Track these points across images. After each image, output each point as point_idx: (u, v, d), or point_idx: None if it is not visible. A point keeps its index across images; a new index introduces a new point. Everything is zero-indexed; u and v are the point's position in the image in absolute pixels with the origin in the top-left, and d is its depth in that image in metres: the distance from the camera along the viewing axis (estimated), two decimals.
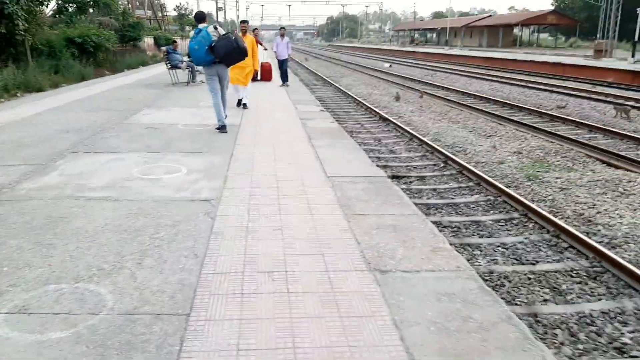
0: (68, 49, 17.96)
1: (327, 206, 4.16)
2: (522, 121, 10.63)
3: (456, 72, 25.49)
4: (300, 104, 10.83)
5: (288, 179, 4.94)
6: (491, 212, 5.39)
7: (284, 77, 14.87)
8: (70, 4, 22.65)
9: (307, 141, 6.83)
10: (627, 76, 19.70)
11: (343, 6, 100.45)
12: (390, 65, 31.42)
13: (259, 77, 14.52)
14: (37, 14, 16.29)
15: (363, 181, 4.90)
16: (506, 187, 5.93)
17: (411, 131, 9.36)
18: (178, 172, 5.15)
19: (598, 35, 35.25)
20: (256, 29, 15.72)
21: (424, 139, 8.61)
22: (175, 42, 15.63)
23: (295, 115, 9.25)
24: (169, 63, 14.38)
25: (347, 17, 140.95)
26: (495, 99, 14.38)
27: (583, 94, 15.43)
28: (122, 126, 7.85)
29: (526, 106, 12.88)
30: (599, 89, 17.19)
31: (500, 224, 5.03)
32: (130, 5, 40.53)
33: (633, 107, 12.16)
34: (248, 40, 9.03)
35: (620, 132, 9.35)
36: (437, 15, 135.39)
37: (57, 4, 22.66)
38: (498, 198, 5.69)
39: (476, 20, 64.41)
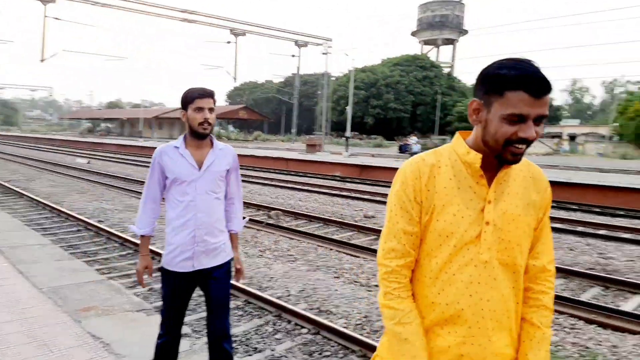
0: None
1: None
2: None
3: None
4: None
5: None
6: None
7: None
8: None
9: None
10: (355, 170, 20.81)
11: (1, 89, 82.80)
12: (89, 162, 25.48)
13: None
14: None
15: None
16: None
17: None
18: None
19: (293, 130, 39.26)
20: None
21: None
22: None
23: None
24: None
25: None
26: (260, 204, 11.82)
27: (347, 194, 14.70)
28: None
29: (323, 215, 10.80)
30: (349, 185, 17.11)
31: None
32: None
33: None
34: None
35: None
36: (113, 105, 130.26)
37: None
38: None
39: (167, 112, 63.32)
